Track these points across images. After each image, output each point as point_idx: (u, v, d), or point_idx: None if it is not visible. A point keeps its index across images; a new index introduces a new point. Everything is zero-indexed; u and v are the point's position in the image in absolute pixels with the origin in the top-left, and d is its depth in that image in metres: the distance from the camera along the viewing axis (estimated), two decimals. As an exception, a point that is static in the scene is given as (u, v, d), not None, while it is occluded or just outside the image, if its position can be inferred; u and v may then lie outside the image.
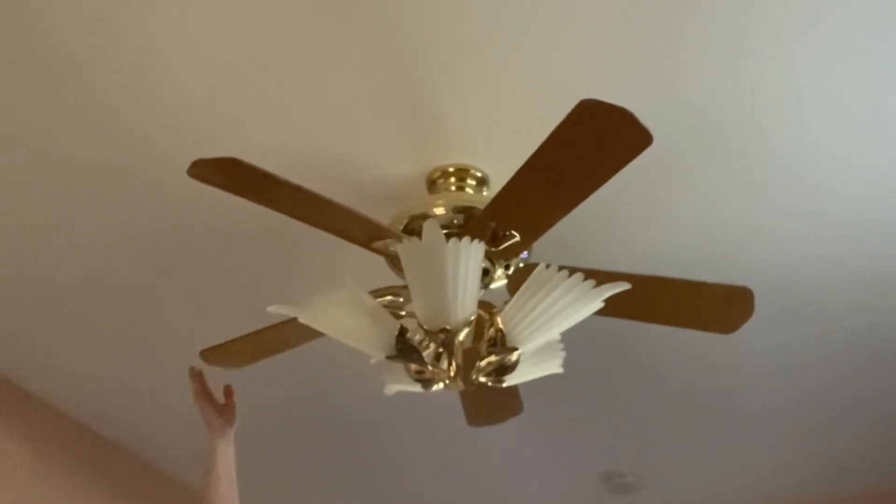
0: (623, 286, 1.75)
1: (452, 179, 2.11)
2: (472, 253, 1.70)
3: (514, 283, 1.92)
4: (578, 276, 1.73)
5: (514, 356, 1.77)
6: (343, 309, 1.78)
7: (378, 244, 1.89)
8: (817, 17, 1.72)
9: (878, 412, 3.14)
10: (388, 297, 1.96)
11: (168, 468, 3.67)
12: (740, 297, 1.94)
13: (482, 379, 1.81)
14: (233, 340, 2.11)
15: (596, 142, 1.56)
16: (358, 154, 2.08)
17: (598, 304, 1.76)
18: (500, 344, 1.75)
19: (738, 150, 2.05)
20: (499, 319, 1.76)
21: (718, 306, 1.98)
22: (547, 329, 1.75)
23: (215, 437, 2.09)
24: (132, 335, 2.79)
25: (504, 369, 1.79)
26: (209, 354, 2.16)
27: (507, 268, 1.96)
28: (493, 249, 1.85)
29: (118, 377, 3.03)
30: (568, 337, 1.86)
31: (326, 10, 1.73)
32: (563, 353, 1.90)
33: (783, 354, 2.81)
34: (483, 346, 1.78)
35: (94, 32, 1.78)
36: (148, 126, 2.01)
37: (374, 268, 2.09)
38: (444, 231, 1.84)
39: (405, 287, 1.89)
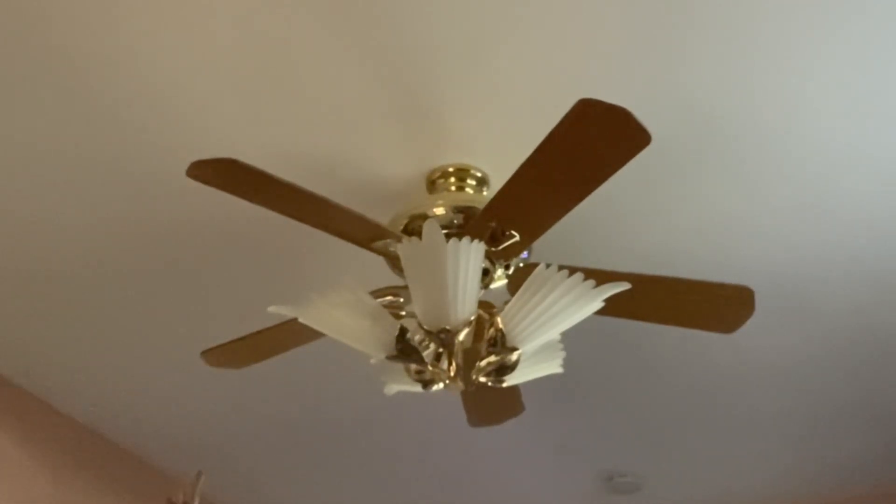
0: (623, 286, 1.75)
1: (452, 179, 2.11)
2: (472, 253, 1.69)
3: (514, 283, 1.92)
4: (578, 276, 1.73)
5: (514, 356, 1.77)
6: (343, 309, 1.78)
7: (378, 244, 1.89)
8: (820, 14, 1.72)
9: (878, 412, 3.14)
10: (388, 297, 1.96)
11: (168, 468, 3.67)
12: (741, 297, 1.94)
13: (482, 379, 1.81)
14: (233, 341, 2.11)
15: (594, 141, 1.56)
16: (358, 154, 2.08)
17: (598, 304, 1.76)
18: (500, 344, 1.75)
19: (739, 149, 2.05)
20: (499, 319, 1.76)
21: (719, 305, 1.98)
22: (547, 329, 1.75)
23: None
24: (132, 336, 2.79)
25: (504, 369, 1.79)
26: (210, 355, 2.16)
27: (507, 268, 1.96)
28: (493, 249, 1.85)
29: (118, 377, 3.03)
30: (568, 337, 1.86)
31: (326, 10, 1.73)
32: (563, 353, 1.90)
33: (784, 354, 2.81)
34: (483, 346, 1.78)
35: (93, 33, 1.78)
36: (148, 127, 2.01)
37: (374, 268, 2.09)
38: (444, 231, 1.84)
39: (405, 287, 1.89)
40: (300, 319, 1.80)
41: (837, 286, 2.49)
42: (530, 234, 1.83)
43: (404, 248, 1.74)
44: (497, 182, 2.10)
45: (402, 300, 1.96)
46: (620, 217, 2.26)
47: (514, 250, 1.87)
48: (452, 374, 1.77)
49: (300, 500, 4.00)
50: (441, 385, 1.82)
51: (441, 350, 1.78)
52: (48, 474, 3.11)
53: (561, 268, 1.73)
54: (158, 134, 2.03)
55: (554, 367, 1.90)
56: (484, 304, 1.84)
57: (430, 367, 1.79)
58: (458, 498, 3.97)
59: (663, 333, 2.67)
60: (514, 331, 1.75)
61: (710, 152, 2.06)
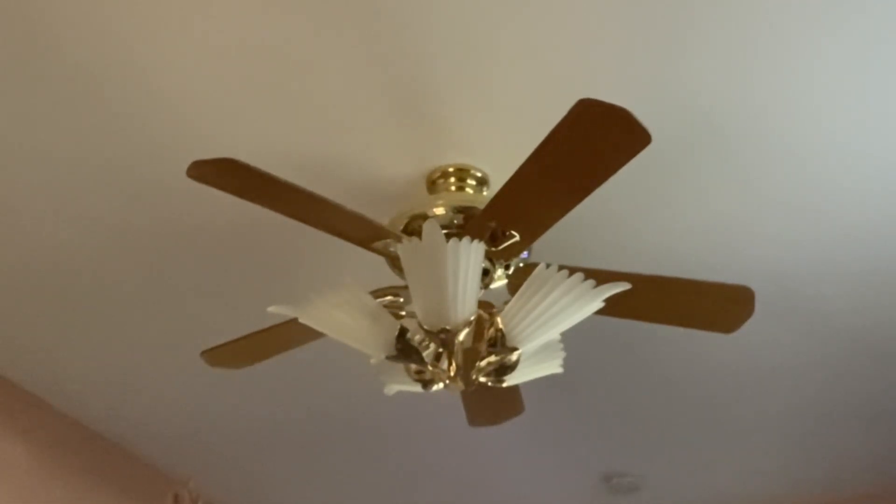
0: (623, 286, 1.75)
1: (452, 179, 2.11)
2: (472, 253, 1.69)
3: (514, 283, 1.92)
4: (578, 276, 1.73)
5: (514, 356, 1.77)
6: (343, 309, 1.78)
7: (378, 244, 1.89)
8: (820, 14, 1.72)
9: (878, 412, 3.14)
10: (388, 297, 1.96)
11: (168, 468, 3.67)
12: (741, 297, 1.94)
13: (482, 379, 1.81)
14: (233, 341, 2.11)
15: (594, 141, 1.56)
16: (358, 154, 2.08)
17: (598, 304, 1.76)
18: (500, 344, 1.75)
19: (739, 150, 2.05)
20: (499, 319, 1.76)
21: (719, 306, 1.98)
22: (547, 329, 1.75)
23: None
24: (132, 335, 2.79)
25: (504, 369, 1.79)
26: (210, 355, 2.16)
27: (507, 268, 1.96)
28: (493, 249, 1.85)
29: (118, 377, 3.03)
30: (568, 337, 1.86)
31: (326, 11, 1.72)
32: (563, 353, 1.90)
33: (783, 354, 2.81)
34: (483, 346, 1.78)
35: (93, 34, 1.78)
36: (148, 127, 2.01)
37: (374, 268, 2.09)
38: (444, 231, 1.84)
39: (405, 287, 1.89)
40: (300, 319, 1.80)
41: (837, 286, 2.49)
42: (530, 234, 1.83)
43: (404, 248, 1.74)
44: (497, 182, 2.10)
45: (402, 300, 1.96)
46: (620, 217, 2.26)
47: (514, 250, 1.87)
48: (452, 374, 1.77)
49: (300, 500, 4.00)
50: (441, 385, 1.82)
51: (441, 350, 1.78)
52: (48, 475, 3.11)
53: (561, 268, 1.73)
54: (159, 135, 2.03)
55: (554, 367, 1.90)
56: (484, 304, 1.84)
57: (430, 367, 1.79)
58: (458, 498, 3.98)
59: (663, 333, 2.67)
60: (514, 331, 1.75)
61: (710, 152, 2.06)
